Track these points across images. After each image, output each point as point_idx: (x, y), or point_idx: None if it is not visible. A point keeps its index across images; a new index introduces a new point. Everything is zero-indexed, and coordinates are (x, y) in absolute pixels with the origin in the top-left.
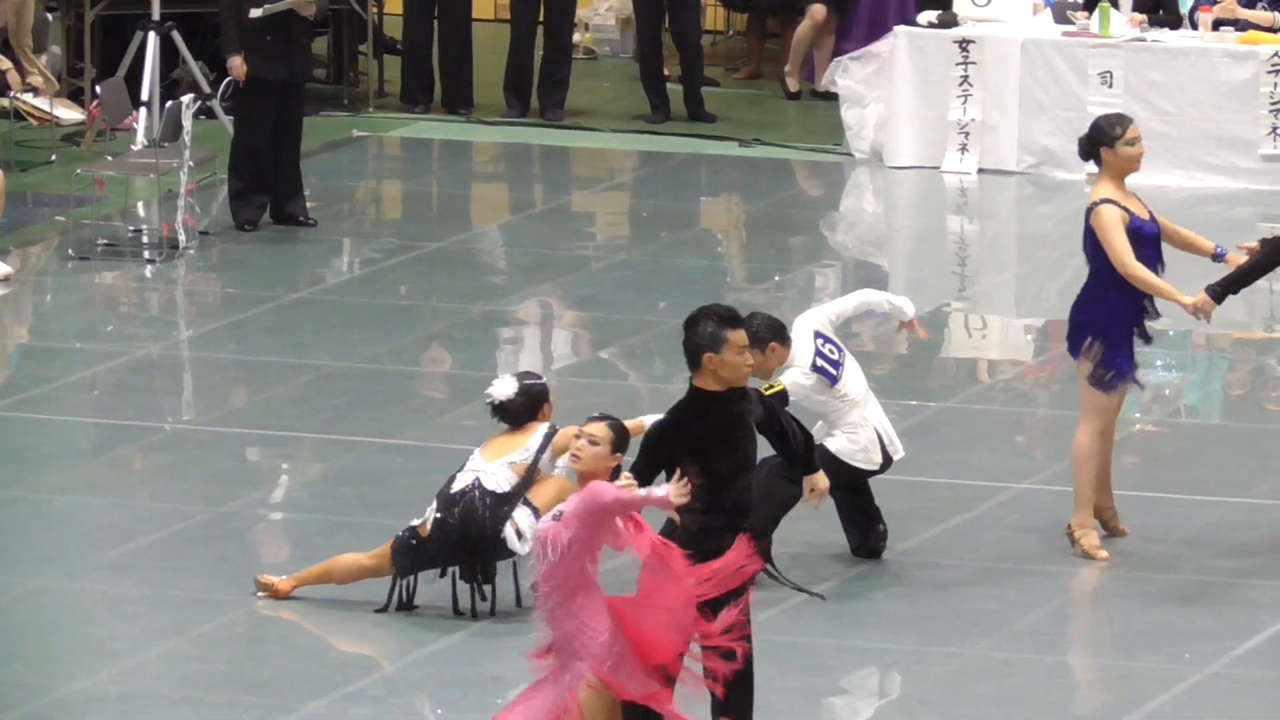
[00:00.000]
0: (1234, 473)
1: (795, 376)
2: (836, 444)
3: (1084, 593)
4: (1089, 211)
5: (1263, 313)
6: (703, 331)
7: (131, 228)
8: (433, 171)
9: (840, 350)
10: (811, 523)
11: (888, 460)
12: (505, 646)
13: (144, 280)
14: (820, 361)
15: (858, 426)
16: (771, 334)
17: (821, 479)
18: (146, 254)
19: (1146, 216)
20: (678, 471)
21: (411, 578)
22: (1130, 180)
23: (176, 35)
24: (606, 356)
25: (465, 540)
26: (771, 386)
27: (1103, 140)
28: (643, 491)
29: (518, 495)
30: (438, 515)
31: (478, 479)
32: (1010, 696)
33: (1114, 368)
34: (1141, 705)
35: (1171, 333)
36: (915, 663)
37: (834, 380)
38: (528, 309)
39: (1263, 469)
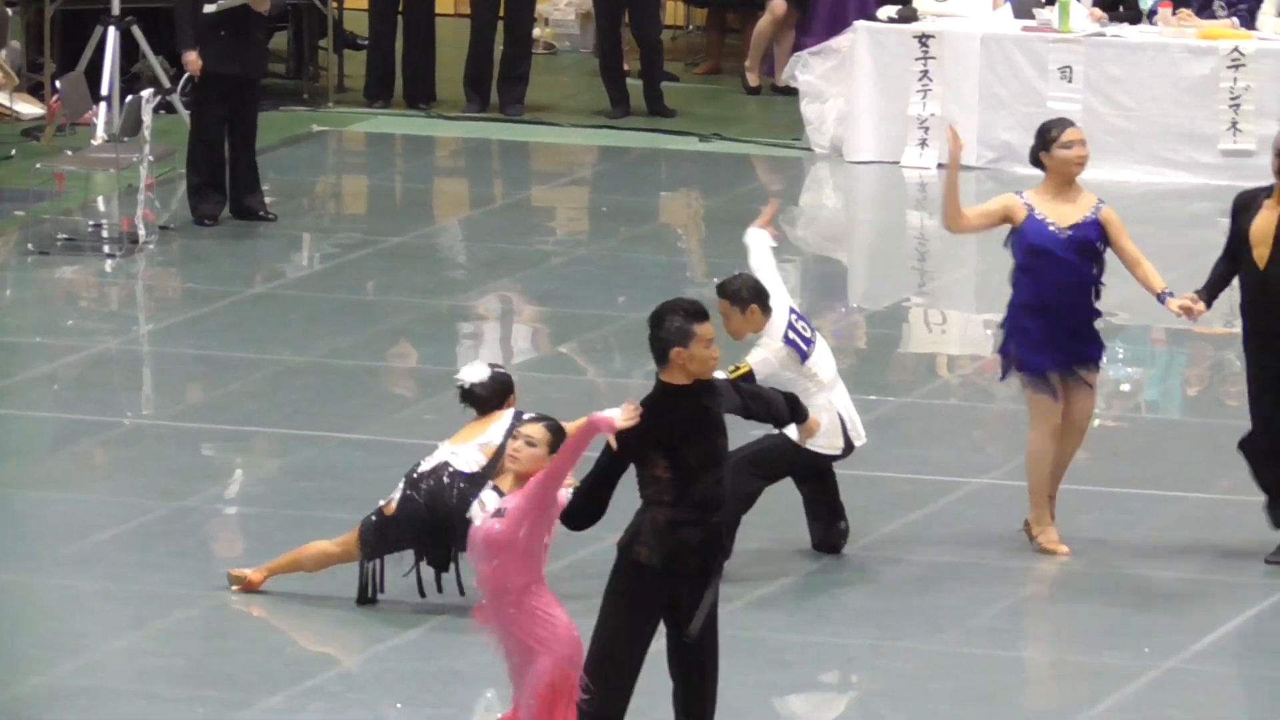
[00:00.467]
0: (1193, 468)
1: (764, 354)
2: (794, 431)
3: (1043, 588)
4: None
5: (1222, 308)
6: (669, 327)
7: (91, 222)
8: (393, 166)
9: (812, 330)
10: (772, 516)
11: (849, 446)
12: (465, 641)
13: (104, 275)
14: (792, 335)
15: (820, 410)
16: (754, 296)
17: (813, 421)
18: (106, 249)
19: (1067, 225)
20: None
21: (378, 561)
22: (1091, 175)
23: (136, 30)
24: (566, 351)
25: (432, 519)
26: (737, 368)
27: (1041, 144)
28: (584, 421)
29: (487, 475)
30: (406, 493)
31: (447, 461)
32: (970, 691)
33: (1023, 369)
34: (1102, 700)
35: (1131, 326)
36: (875, 658)
37: (804, 356)
38: (487, 304)
39: (1222, 464)
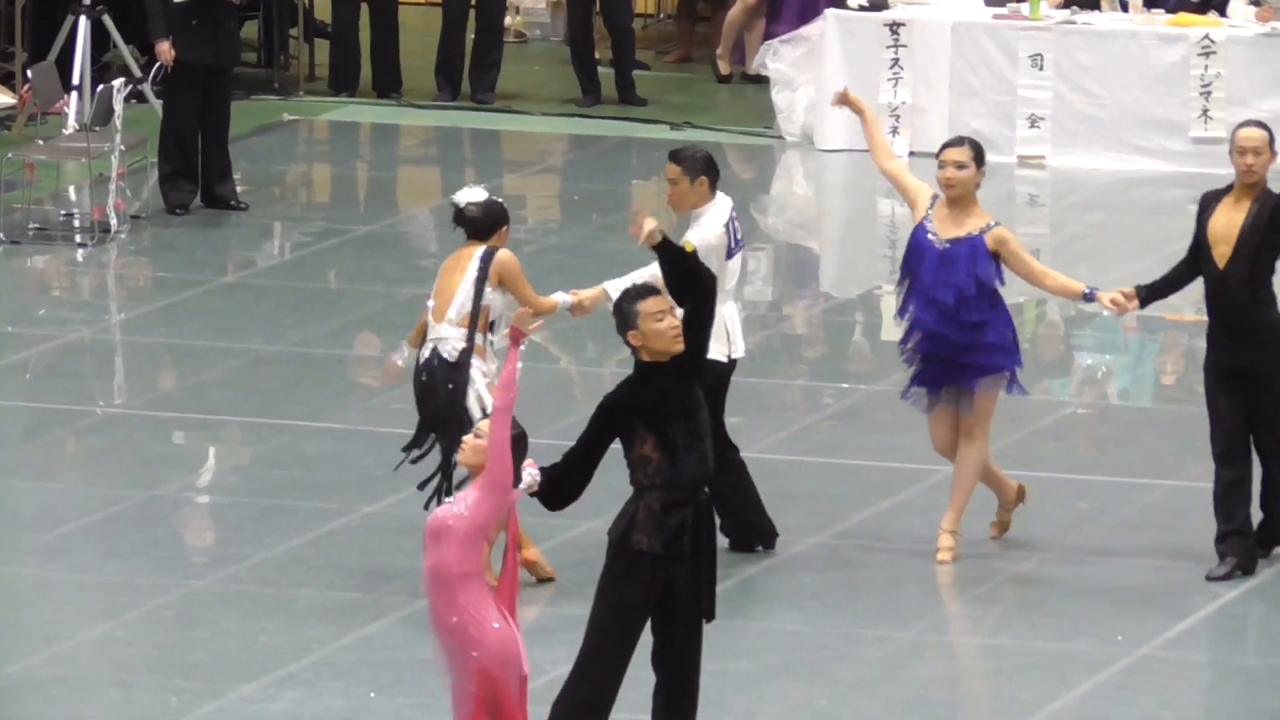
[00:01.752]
0: (1165, 456)
1: (704, 234)
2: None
3: (1015, 575)
4: None
5: (1193, 295)
6: (618, 316)
7: (63, 212)
8: (363, 155)
9: (741, 235)
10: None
11: (731, 361)
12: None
13: (75, 264)
14: (731, 225)
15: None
16: (706, 168)
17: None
18: (78, 238)
19: (946, 237)
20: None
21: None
22: (1062, 163)
23: (107, 19)
24: (538, 339)
25: (432, 418)
26: (685, 244)
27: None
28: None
29: (468, 358)
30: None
31: (435, 348)
32: (942, 679)
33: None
34: (1074, 687)
35: (1102, 313)
36: (847, 646)
37: (730, 253)
38: None
39: (1194, 452)
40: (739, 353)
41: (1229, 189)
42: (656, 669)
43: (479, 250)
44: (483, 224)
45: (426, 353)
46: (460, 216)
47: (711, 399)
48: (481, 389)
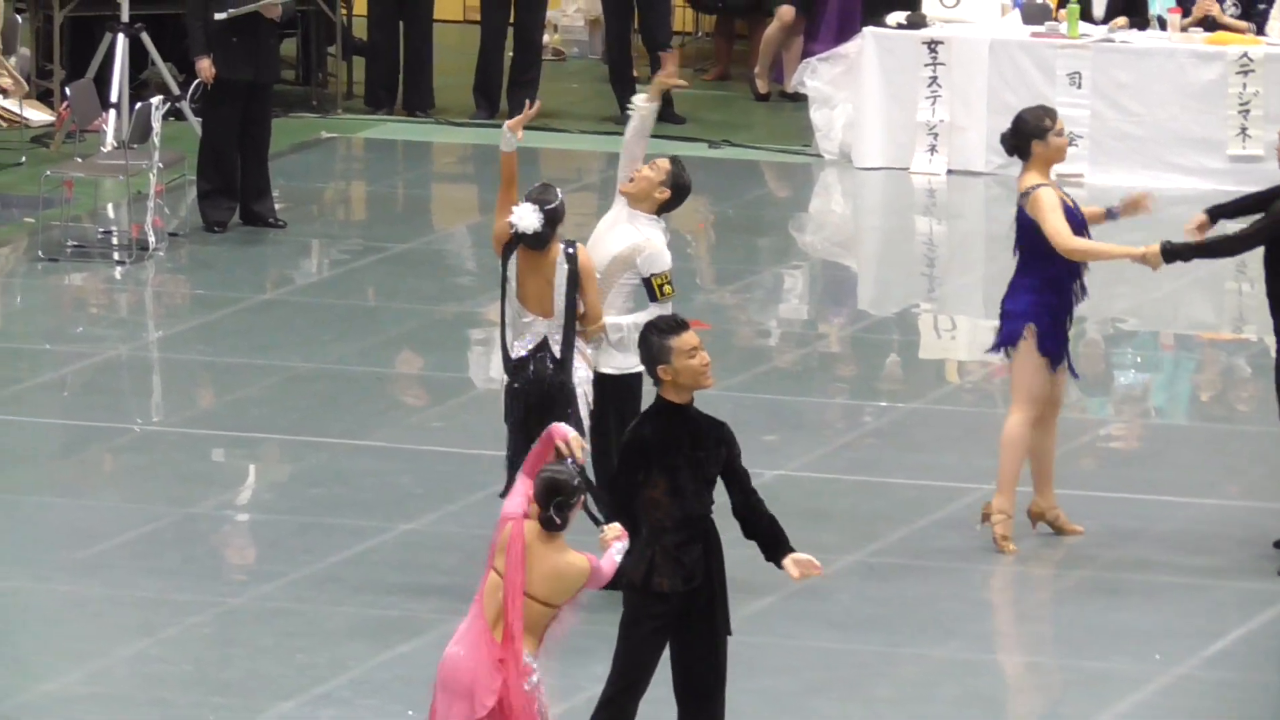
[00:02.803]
0: (1202, 473)
1: (658, 244)
2: (615, 362)
3: (1052, 593)
4: (1024, 198)
5: (1231, 314)
6: (650, 348)
7: (101, 229)
8: (401, 173)
9: None
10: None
11: None
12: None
13: (113, 282)
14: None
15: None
16: (677, 187)
17: (794, 564)
18: (115, 255)
19: (1073, 203)
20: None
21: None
22: (1100, 181)
23: (145, 37)
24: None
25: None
26: (664, 283)
27: (1034, 133)
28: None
29: (570, 352)
30: (514, 385)
31: (545, 339)
32: (978, 697)
33: (1047, 354)
34: (1111, 706)
35: (1140, 331)
36: (883, 664)
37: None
38: (496, 310)
39: (1231, 470)
40: None
41: None
42: (679, 697)
43: (559, 256)
44: (550, 235)
45: (529, 347)
46: (529, 240)
47: (630, 411)
48: (588, 393)
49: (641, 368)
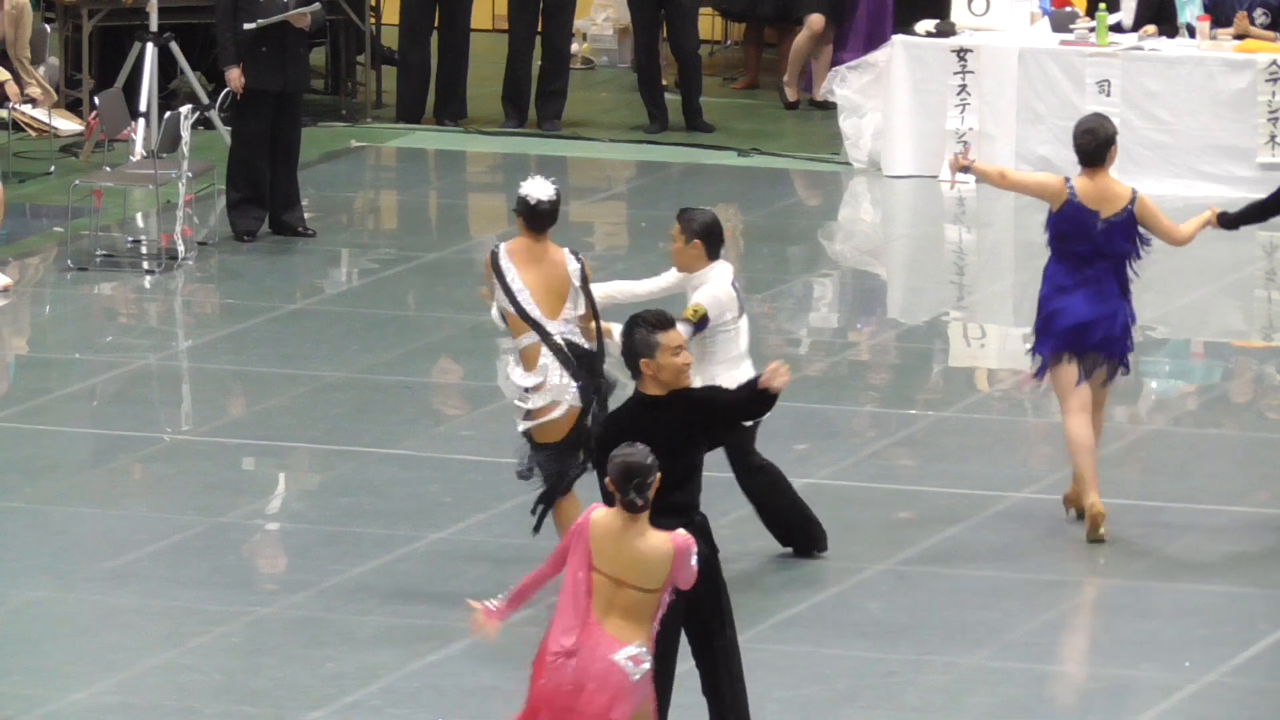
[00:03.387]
0: (1232, 481)
1: (715, 291)
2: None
3: (1082, 601)
4: (1132, 202)
5: (1260, 321)
6: (636, 339)
7: (130, 238)
8: (430, 182)
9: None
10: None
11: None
12: (505, 657)
13: (142, 291)
14: (736, 284)
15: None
16: (703, 233)
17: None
18: (145, 265)
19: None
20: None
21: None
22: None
23: (174, 46)
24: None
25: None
26: (695, 310)
27: (1110, 140)
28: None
29: (602, 348)
30: (578, 385)
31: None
32: (1007, 706)
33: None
34: (1140, 714)
35: (1171, 339)
36: (912, 672)
37: (741, 310)
38: None
39: (1261, 478)
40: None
41: None
42: (706, 695)
43: (568, 261)
44: (550, 220)
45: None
46: (532, 210)
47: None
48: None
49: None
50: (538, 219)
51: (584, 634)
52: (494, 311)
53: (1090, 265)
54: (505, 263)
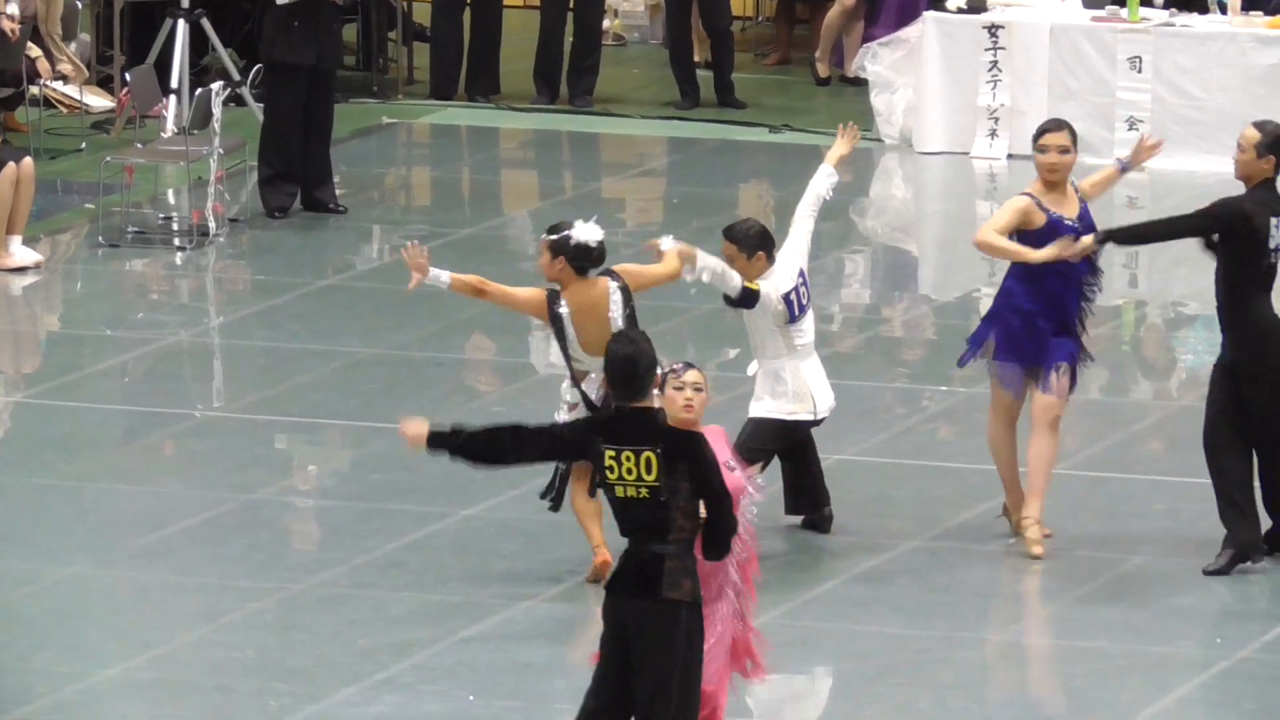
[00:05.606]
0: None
1: (768, 289)
2: (764, 407)
3: (1114, 577)
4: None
5: None
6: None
7: (161, 215)
8: (462, 158)
9: (809, 298)
10: (843, 510)
11: (816, 417)
12: (538, 633)
13: (174, 267)
14: (793, 296)
15: (783, 376)
16: (760, 243)
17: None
18: (176, 241)
19: (1072, 217)
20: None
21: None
22: (1161, 165)
23: (205, 22)
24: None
25: None
26: (751, 285)
27: None
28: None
29: None
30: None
31: None
32: (1042, 681)
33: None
34: (1174, 690)
35: (1201, 314)
36: (947, 648)
37: (793, 319)
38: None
39: None
40: (825, 409)
41: None
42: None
43: (610, 284)
44: (600, 260)
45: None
46: (585, 253)
47: (802, 456)
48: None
49: (805, 414)
50: (586, 260)
51: None
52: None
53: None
54: (564, 310)
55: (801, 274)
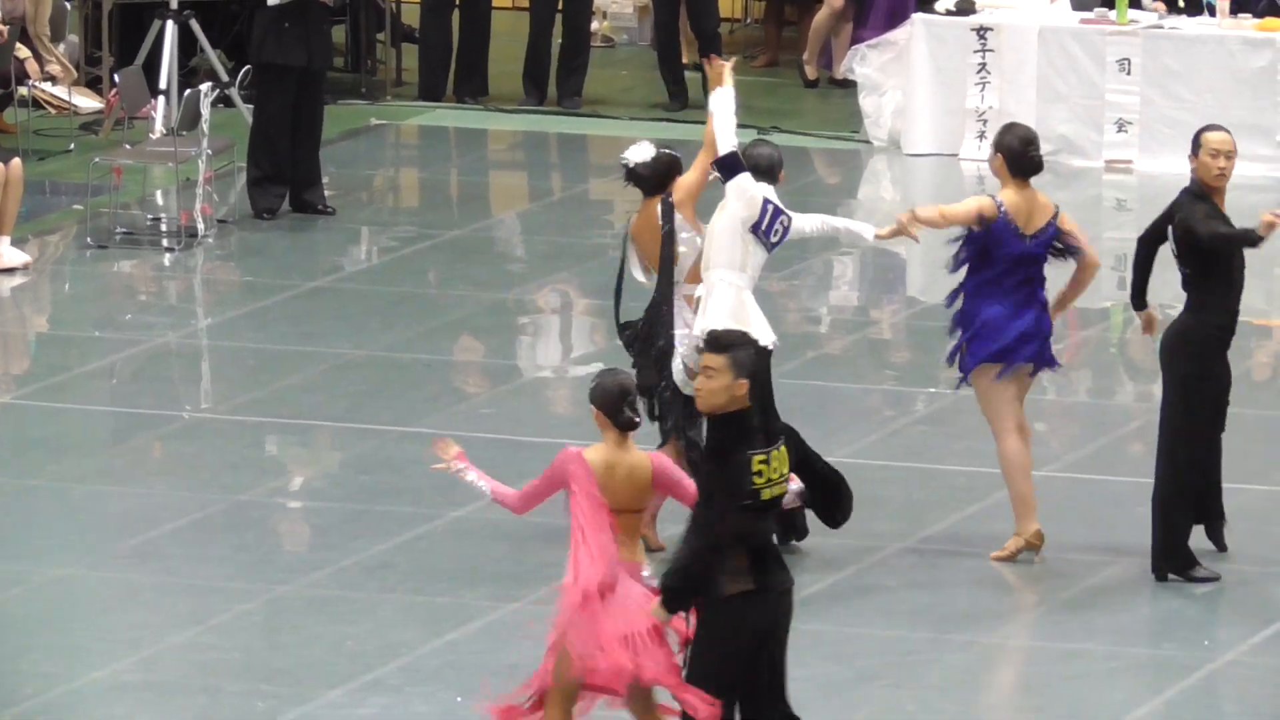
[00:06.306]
0: (1252, 460)
1: (755, 190)
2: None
3: (1101, 580)
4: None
5: None
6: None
7: (150, 216)
8: (450, 160)
9: (783, 238)
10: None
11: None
12: (526, 634)
13: (162, 269)
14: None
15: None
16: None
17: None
18: (165, 242)
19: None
20: None
21: None
22: (1149, 168)
23: (194, 24)
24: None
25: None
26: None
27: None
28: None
29: (660, 309)
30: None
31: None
32: (1028, 684)
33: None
34: (1161, 692)
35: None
36: (934, 650)
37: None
38: (546, 297)
39: None
40: (767, 341)
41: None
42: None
43: (659, 206)
44: (653, 181)
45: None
46: (632, 175)
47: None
48: (688, 361)
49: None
50: (638, 183)
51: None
52: (638, 271)
53: (1013, 277)
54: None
55: (783, 216)
